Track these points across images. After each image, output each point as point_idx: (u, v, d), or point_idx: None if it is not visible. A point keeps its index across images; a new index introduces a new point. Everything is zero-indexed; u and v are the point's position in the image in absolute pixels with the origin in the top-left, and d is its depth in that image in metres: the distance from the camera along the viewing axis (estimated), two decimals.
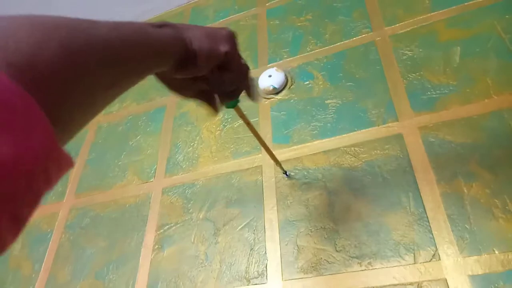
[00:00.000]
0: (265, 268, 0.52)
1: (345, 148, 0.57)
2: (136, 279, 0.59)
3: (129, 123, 0.82)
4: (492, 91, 0.52)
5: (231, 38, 0.34)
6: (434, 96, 0.55)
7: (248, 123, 0.45)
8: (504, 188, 0.45)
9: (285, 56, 0.73)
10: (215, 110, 0.40)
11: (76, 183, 0.77)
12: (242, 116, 0.44)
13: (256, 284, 0.51)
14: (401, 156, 0.53)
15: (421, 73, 0.58)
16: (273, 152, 0.53)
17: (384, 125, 0.56)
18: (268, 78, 0.68)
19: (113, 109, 0.87)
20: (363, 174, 0.54)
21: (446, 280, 0.42)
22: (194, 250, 0.58)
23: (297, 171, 0.58)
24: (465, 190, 0.47)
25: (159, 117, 0.79)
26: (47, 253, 0.70)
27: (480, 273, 0.41)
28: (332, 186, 0.55)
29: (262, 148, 0.53)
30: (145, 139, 0.78)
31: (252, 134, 0.48)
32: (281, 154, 0.61)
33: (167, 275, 0.58)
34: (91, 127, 0.87)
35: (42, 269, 0.68)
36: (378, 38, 0.66)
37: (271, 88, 0.68)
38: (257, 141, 0.50)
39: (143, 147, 0.76)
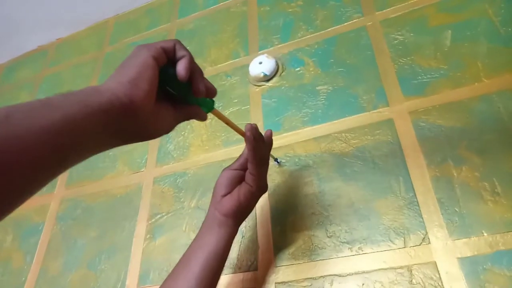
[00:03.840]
0: (256, 255, 0.52)
1: (336, 134, 0.57)
2: (128, 268, 0.59)
3: None
4: (483, 74, 0.51)
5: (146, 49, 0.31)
6: (424, 80, 0.55)
7: (228, 123, 0.43)
8: (493, 171, 0.45)
9: (276, 43, 0.72)
10: (204, 116, 0.38)
11: (67, 175, 0.77)
12: (222, 117, 0.41)
13: (247, 271, 0.51)
14: (391, 141, 0.52)
15: (412, 57, 0.58)
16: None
17: (375, 111, 0.56)
18: (258, 65, 0.68)
19: None
20: (354, 160, 0.53)
21: (436, 263, 0.43)
22: (186, 239, 0.58)
23: (288, 158, 0.58)
24: (455, 174, 0.47)
25: None
26: (38, 245, 0.69)
27: (469, 255, 0.42)
28: (323, 173, 0.54)
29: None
30: None
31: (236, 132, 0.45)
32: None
33: (159, 264, 0.57)
34: None
35: (34, 260, 0.68)
36: (369, 23, 0.65)
37: (262, 75, 0.67)
38: None
39: None
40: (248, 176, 0.42)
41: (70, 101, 0.24)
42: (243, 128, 0.42)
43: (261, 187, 0.43)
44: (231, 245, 0.42)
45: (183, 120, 0.36)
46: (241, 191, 0.42)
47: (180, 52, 0.33)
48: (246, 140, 0.41)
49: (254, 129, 0.40)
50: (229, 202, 0.41)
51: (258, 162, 0.42)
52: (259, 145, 0.41)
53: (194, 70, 0.34)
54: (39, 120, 0.21)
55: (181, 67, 0.32)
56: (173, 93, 0.35)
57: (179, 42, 0.34)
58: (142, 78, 0.29)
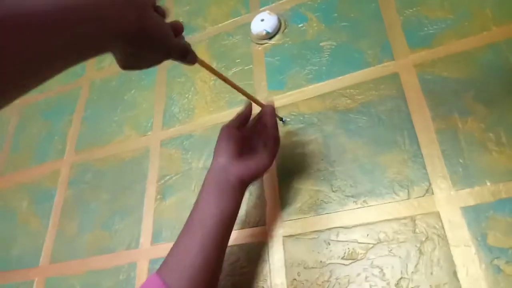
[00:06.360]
0: (263, 211, 0.54)
1: (341, 91, 0.56)
2: (141, 227, 0.62)
3: (122, 77, 0.81)
4: (492, 22, 0.50)
5: None
6: (431, 31, 0.53)
7: (217, 74, 0.43)
8: (499, 122, 0.45)
9: None
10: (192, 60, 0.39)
11: (75, 140, 0.78)
12: (211, 69, 0.42)
13: (256, 226, 0.53)
14: (396, 95, 0.52)
15: (418, 8, 0.56)
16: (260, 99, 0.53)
17: (380, 65, 0.55)
18: (260, 22, 0.66)
19: (104, 64, 0.85)
20: (359, 116, 0.53)
21: (439, 212, 0.44)
22: (195, 198, 0.59)
23: (293, 116, 0.58)
24: (460, 126, 0.47)
25: (152, 70, 0.77)
26: (53, 209, 0.72)
27: (472, 204, 0.43)
28: (328, 130, 0.55)
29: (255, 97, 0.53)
30: (139, 93, 0.77)
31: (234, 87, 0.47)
32: (277, 100, 0.60)
33: (170, 223, 0.60)
34: (84, 83, 0.85)
35: (50, 224, 0.71)
36: None
37: (264, 33, 0.65)
38: (251, 90, 0.50)
39: (138, 101, 0.76)
40: (266, 157, 0.46)
41: None
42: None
43: (271, 163, 0.48)
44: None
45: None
46: (260, 164, 0.45)
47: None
48: (267, 115, 0.48)
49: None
50: (247, 171, 0.45)
51: (277, 141, 0.48)
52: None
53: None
54: None
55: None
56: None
57: None
58: None
